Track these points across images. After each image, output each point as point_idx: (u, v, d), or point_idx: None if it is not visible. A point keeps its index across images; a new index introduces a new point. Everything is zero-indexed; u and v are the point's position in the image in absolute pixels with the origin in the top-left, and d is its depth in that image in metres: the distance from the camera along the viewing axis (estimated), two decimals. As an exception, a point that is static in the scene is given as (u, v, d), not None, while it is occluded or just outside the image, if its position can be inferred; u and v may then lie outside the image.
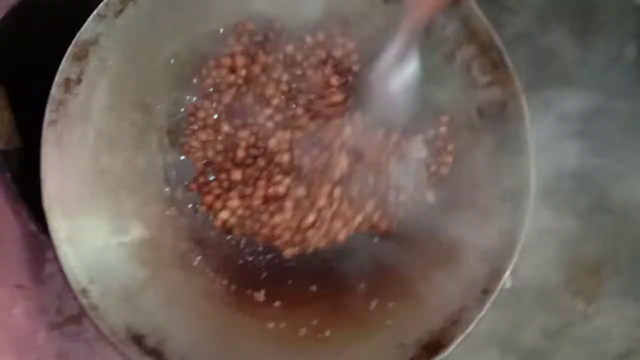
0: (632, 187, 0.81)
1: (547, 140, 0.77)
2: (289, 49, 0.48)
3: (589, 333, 0.82)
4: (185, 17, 0.46)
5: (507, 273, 0.41)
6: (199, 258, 0.47)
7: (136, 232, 0.45)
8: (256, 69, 0.48)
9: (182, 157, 0.49)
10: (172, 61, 0.48)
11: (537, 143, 0.79)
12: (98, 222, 0.43)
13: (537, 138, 0.79)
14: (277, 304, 0.46)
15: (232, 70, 0.48)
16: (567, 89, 0.81)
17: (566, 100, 0.81)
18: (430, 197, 0.45)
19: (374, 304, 0.44)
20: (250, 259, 0.48)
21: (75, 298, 0.42)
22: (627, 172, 0.81)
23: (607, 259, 0.81)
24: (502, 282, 0.40)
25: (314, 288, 0.46)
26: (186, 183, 0.48)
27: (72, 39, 0.41)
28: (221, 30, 0.48)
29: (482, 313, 0.40)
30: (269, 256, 0.48)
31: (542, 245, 0.80)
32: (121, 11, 0.42)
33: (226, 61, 0.48)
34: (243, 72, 0.48)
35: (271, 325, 0.45)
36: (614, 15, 0.85)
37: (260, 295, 0.46)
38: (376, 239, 0.48)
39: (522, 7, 0.84)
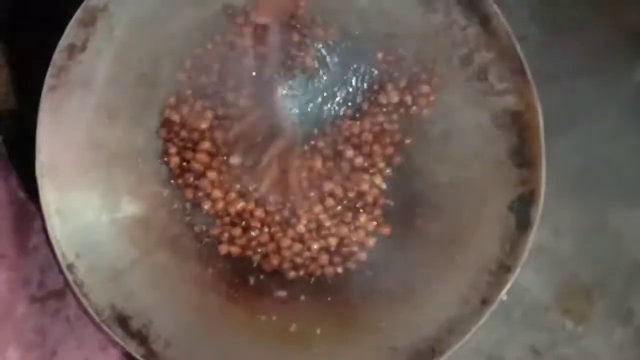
0: (630, 209, 0.81)
1: (549, 161, 0.77)
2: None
3: (575, 353, 0.81)
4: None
5: (509, 284, 0.40)
6: (191, 242, 0.46)
7: (128, 210, 0.44)
8: None
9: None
10: (181, 37, 0.46)
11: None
12: (90, 196, 0.42)
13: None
14: (269, 296, 0.45)
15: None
16: (571, 111, 0.81)
17: (568, 119, 0.81)
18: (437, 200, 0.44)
19: (367, 305, 0.43)
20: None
21: (60, 272, 0.40)
22: (626, 195, 0.81)
23: (599, 280, 0.80)
24: (503, 293, 0.39)
25: (308, 284, 0.45)
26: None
27: (80, 2, 0.40)
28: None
29: (480, 323, 0.39)
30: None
31: (535, 262, 0.80)
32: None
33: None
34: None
35: (262, 317, 0.44)
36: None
37: (251, 285, 0.45)
38: (374, 241, 0.46)
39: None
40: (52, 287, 0.45)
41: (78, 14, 0.40)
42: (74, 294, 0.40)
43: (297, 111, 0.48)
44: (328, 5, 0.46)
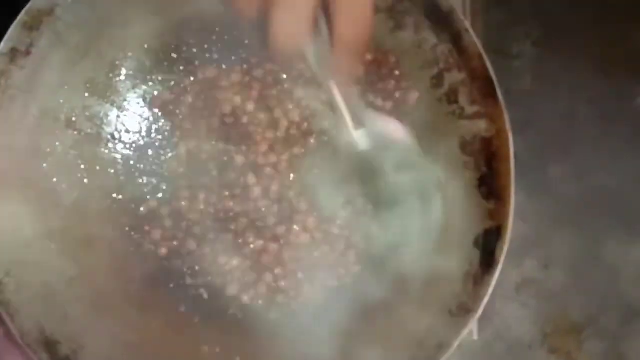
0: (627, 243, 0.76)
1: (540, 186, 0.73)
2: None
3: (561, 396, 0.77)
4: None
5: (469, 327, 0.36)
6: (138, 262, 0.43)
7: (70, 226, 0.41)
8: None
9: (134, 155, 0.44)
10: (145, 45, 0.44)
11: (532, 185, 0.75)
12: (28, 209, 0.40)
13: (533, 181, 0.75)
14: (214, 327, 0.42)
15: None
16: (570, 134, 0.77)
17: (566, 143, 0.77)
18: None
19: (320, 343, 0.40)
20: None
21: (-13, 290, 0.38)
22: (623, 227, 0.77)
23: (590, 317, 0.75)
24: (460, 339, 0.36)
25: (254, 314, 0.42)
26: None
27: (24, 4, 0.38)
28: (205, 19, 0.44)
29: (433, 371, 0.36)
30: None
31: (521, 296, 0.76)
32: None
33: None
34: None
35: (205, 348, 0.41)
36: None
37: (195, 316, 0.42)
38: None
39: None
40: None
41: (21, 17, 0.38)
42: (-1, 313, 0.37)
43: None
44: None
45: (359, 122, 0.34)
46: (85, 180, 0.42)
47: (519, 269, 0.75)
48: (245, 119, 0.44)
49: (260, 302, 0.42)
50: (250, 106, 0.44)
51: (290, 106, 0.44)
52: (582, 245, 0.77)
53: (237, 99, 0.44)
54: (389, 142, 0.35)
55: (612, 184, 0.78)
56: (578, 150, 0.79)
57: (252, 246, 0.43)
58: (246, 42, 0.44)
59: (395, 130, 0.36)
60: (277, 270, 0.42)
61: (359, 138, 0.34)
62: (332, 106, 0.33)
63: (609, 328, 0.75)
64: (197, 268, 0.43)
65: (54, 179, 0.41)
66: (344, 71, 0.31)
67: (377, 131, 0.35)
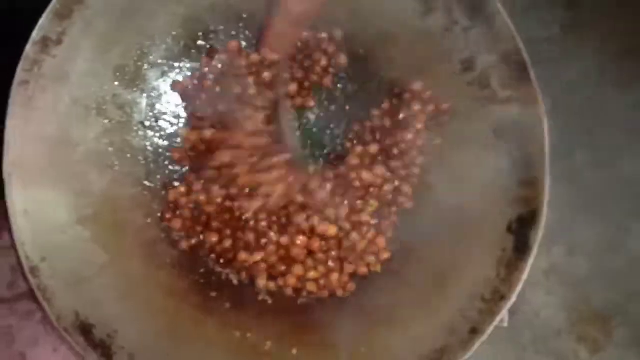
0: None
1: (567, 174, 0.72)
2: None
3: (588, 384, 0.76)
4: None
5: (502, 314, 0.36)
6: (167, 249, 0.43)
7: (102, 212, 0.41)
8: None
9: (164, 142, 0.45)
10: (173, 33, 0.44)
11: (557, 173, 0.74)
12: (61, 197, 0.40)
13: (559, 168, 0.73)
14: (245, 312, 0.42)
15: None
16: (597, 121, 0.76)
17: (593, 130, 0.75)
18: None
19: (349, 329, 0.40)
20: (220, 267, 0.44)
21: (23, 275, 0.38)
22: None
23: (618, 305, 0.74)
24: (494, 324, 0.35)
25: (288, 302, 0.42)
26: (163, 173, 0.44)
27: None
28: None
29: (468, 355, 0.36)
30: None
31: (548, 283, 0.75)
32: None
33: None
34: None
35: (237, 333, 0.41)
36: None
37: (226, 301, 0.42)
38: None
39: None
40: (23, 288, 0.44)
41: (53, 5, 0.38)
42: (35, 298, 0.38)
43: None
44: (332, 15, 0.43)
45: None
46: (117, 168, 0.42)
47: (547, 256, 0.74)
48: None
49: (289, 290, 0.42)
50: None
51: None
52: (607, 233, 0.75)
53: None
54: None
55: (636, 173, 0.76)
56: (605, 136, 0.77)
57: (276, 241, 0.43)
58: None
59: None
60: (308, 262, 0.42)
61: None
62: None
63: (637, 317, 0.74)
64: (221, 260, 0.43)
65: (86, 167, 0.41)
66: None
67: None
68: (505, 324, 0.48)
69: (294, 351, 0.40)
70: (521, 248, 0.36)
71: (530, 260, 0.36)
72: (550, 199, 0.71)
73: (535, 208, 0.36)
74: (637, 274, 0.76)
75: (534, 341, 0.73)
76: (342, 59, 0.45)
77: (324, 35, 0.44)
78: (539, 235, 0.36)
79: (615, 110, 0.75)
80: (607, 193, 0.77)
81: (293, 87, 0.45)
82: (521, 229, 0.37)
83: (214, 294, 0.42)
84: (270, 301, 0.42)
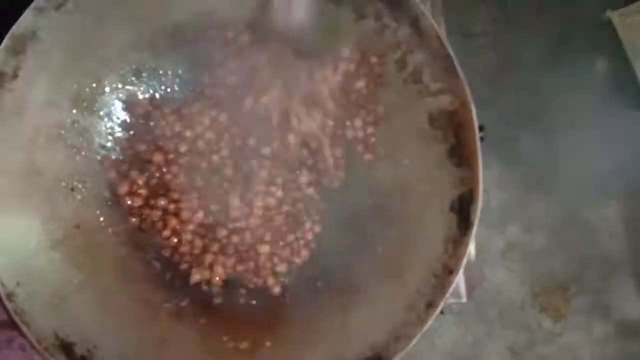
0: (601, 202, 0.80)
1: (515, 156, 0.76)
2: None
3: (555, 351, 0.80)
4: (134, 11, 0.44)
5: (453, 286, 0.39)
6: (138, 262, 0.45)
7: (72, 235, 0.43)
8: None
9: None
10: (126, 58, 0.46)
11: (506, 156, 0.78)
12: (30, 222, 0.42)
13: (507, 152, 0.78)
14: (220, 316, 0.44)
15: None
16: (538, 104, 0.80)
17: (535, 113, 0.80)
18: (372, 206, 0.44)
19: (314, 315, 0.42)
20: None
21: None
22: (596, 187, 0.80)
23: (575, 275, 0.79)
24: (447, 296, 0.39)
25: (254, 302, 0.45)
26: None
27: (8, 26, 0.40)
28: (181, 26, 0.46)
29: (425, 328, 0.39)
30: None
31: (507, 261, 0.79)
32: (62, 5, 0.41)
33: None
34: None
35: (214, 338, 0.43)
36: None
37: (197, 309, 0.44)
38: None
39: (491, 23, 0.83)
40: (4, 316, 0.45)
41: (5, 42, 0.40)
42: (14, 322, 0.39)
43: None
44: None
45: None
46: (83, 191, 0.44)
47: (503, 235, 0.79)
48: None
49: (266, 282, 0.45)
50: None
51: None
52: (559, 207, 0.80)
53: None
54: None
55: (581, 148, 0.82)
56: (545, 119, 0.82)
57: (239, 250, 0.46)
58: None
59: None
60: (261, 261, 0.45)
61: None
62: None
63: (593, 283, 0.79)
64: (193, 270, 0.46)
65: (53, 193, 0.43)
66: None
67: None
68: (464, 299, 0.51)
69: (268, 344, 0.42)
70: (464, 224, 0.40)
71: (473, 234, 0.39)
72: (500, 181, 0.76)
73: (473, 186, 0.40)
74: (590, 243, 0.81)
75: (500, 316, 0.78)
76: None
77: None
78: (479, 210, 0.39)
79: (552, 93, 0.80)
80: (555, 170, 0.82)
81: None
82: (462, 207, 0.40)
83: (184, 303, 0.44)
84: (241, 302, 0.45)
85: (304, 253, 0.46)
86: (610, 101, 0.79)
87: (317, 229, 0.46)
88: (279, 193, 0.46)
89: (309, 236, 0.46)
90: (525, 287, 0.75)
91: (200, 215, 0.46)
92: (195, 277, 0.45)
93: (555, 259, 0.76)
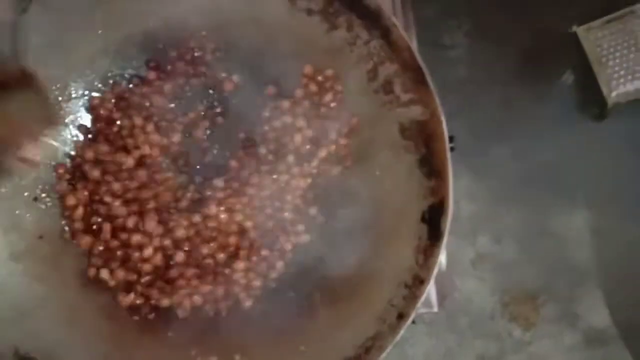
0: (569, 213, 0.81)
1: (485, 167, 0.77)
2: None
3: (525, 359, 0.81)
4: (101, 18, 0.44)
5: (424, 296, 0.39)
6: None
7: (35, 246, 0.42)
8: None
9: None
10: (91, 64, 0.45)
11: (476, 167, 0.79)
12: (-10, 235, 0.40)
13: (477, 163, 0.79)
14: (187, 331, 0.43)
15: None
16: (507, 116, 0.82)
17: (504, 125, 0.81)
18: (343, 219, 0.44)
19: (287, 329, 0.42)
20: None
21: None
22: (565, 198, 0.81)
23: (544, 285, 0.80)
24: (418, 306, 0.39)
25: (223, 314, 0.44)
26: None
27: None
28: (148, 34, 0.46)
29: (397, 338, 0.38)
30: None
31: (478, 270, 0.80)
32: (25, 10, 0.40)
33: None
34: None
35: (182, 352, 0.42)
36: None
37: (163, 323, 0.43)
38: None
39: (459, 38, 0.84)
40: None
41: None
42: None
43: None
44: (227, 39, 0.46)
45: None
46: (46, 201, 0.43)
47: (473, 246, 0.80)
48: None
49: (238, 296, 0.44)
50: None
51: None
52: (528, 218, 0.81)
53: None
54: None
55: (549, 160, 0.83)
56: (515, 131, 0.84)
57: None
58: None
59: None
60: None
61: None
62: None
63: (562, 292, 0.80)
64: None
65: (14, 203, 0.42)
66: None
67: None
68: (435, 309, 0.51)
69: (237, 357, 0.41)
70: (435, 235, 0.40)
71: (443, 244, 0.39)
72: (471, 193, 0.76)
73: (443, 196, 0.40)
74: (558, 252, 0.83)
75: (470, 326, 0.78)
76: None
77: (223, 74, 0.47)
78: (449, 220, 0.39)
79: (521, 105, 0.82)
80: (525, 181, 0.83)
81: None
82: (433, 217, 0.40)
83: (151, 316, 0.43)
84: (210, 315, 0.44)
85: (279, 265, 0.45)
86: (576, 113, 0.81)
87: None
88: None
89: (288, 247, 0.45)
90: (495, 296, 0.76)
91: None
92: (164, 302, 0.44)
93: (525, 269, 0.77)
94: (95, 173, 0.44)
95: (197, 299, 0.43)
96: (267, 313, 0.43)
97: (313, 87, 0.46)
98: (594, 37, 0.82)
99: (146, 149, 0.45)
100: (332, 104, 0.45)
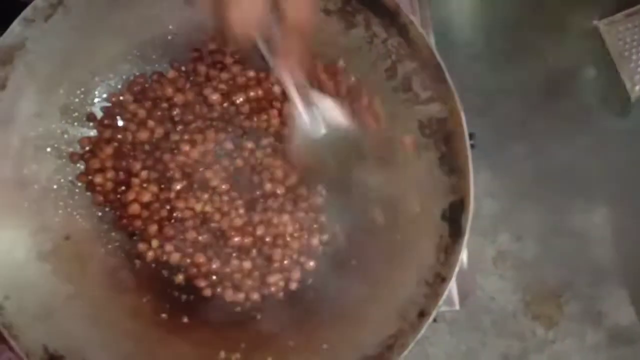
0: (589, 210, 0.81)
1: (504, 165, 0.77)
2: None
3: (548, 359, 0.80)
4: (123, 23, 0.44)
5: (445, 294, 0.39)
6: (129, 274, 0.45)
7: (61, 246, 0.43)
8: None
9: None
10: (114, 69, 0.46)
11: (496, 165, 0.78)
12: (18, 234, 0.41)
13: (497, 160, 0.78)
14: (208, 327, 0.44)
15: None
16: (526, 113, 0.81)
17: (524, 122, 0.81)
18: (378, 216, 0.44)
19: (309, 328, 0.42)
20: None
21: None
22: (584, 195, 0.81)
23: (566, 283, 0.79)
24: (439, 304, 0.39)
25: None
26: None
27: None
28: (169, 36, 0.46)
29: (419, 336, 0.38)
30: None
31: (499, 268, 0.79)
32: (50, 16, 0.41)
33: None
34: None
35: (205, 349, 0.43)
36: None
37: (189, 320, 0.44)
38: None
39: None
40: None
41: (-7, 52, 0.40)
42: (2, 336, 0.39)
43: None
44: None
45: (309, 106, 0.37)
46: (71, 202, 0.44)
47: (494, 244, 0.79)
48: None
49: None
50: None
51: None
52: (548, 215, 0.81)
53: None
54: (338, 125, 0.38)
55: (568, 157, 0.82)
56: (535, 128, 0.83)
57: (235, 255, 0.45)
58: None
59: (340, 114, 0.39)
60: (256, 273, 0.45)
61: (312, 122, 0.37)
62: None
63: (584, 290, 0.79)
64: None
65: (41, 204, 0.43)
66: (293, 55, 0.33)
67: (326, 115, 0.38)
68: (457, 307, 0.51)
69: (269, 359, 0.42)
70: (456, 232, 0.40)
71: (464, 242, 0.39)
72: (491, 190, 0.76)
73: (464, 194, 0.40)
74: (580, 250, 0.82)
75: (493, 324, 0.78)
76: None
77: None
78: (470, 218, 0.39)
79: (542, 101, 0.81)
80: (544, 178, 0.82)
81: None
82: (454, 215, 0.40)
83: (179, 313, 0.44)
84: (232, 312, 0.44)
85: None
86: (597, 109, 0.80)
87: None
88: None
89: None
90: (517, 295, 0.75)
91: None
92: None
93: (546, 267, 0.76)
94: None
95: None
96: (290, 314, 0.44)
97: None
98: (615, 30, 0.81)
99: None
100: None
